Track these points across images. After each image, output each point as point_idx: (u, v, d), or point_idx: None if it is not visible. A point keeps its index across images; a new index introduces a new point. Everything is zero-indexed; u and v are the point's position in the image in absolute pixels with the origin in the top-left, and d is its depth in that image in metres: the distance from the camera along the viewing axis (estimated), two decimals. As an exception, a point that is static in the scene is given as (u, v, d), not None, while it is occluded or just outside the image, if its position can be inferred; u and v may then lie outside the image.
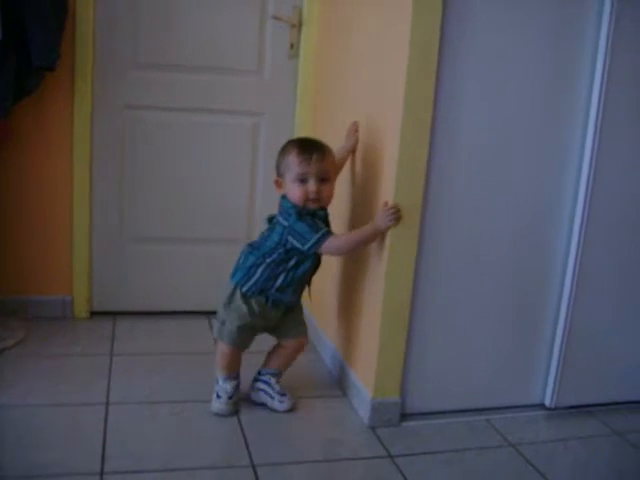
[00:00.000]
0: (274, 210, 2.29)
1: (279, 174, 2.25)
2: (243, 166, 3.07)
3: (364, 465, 2.10)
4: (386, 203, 2.14)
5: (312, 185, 2.15)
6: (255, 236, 3.11)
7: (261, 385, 2.38)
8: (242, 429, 2.21)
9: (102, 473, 1.90)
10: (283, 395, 2.36)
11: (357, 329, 2.43)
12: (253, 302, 2.23)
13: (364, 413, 2.30)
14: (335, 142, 2.41)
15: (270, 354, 2.42)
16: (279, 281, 2.23)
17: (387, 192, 2.17)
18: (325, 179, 2.18)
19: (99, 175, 2.93)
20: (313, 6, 2.96)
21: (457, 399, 2.39)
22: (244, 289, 2.23)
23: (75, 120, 2.82)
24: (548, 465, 2.12)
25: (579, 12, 2.17)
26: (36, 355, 2.62)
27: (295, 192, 2.17)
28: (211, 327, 2.93)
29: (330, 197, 2.23)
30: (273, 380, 2.38)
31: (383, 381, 2.26)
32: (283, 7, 2.95)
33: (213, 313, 2.60)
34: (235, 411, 2.31)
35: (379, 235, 2.19)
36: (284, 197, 2.23)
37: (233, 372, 2.34)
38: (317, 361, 2.78)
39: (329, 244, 2.16)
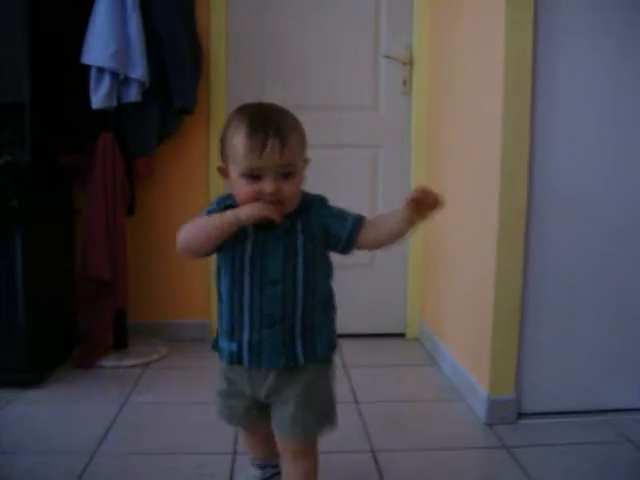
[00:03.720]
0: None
1: (223, 157, 1.55)
2: (363, 195, 3.26)
3: (480, 454, 2.17)
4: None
5: (269, 184, 1.44)
6: (376, 261, 3.32)
7: None
8: (363, 417, 2.35)
9: (235, 453, 2.10)
10: None
11: (471, 332, 2.53)
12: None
13: (481, 411, 2.37)
14: (451, 172, 2.57)
15: None
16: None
17: (492, 198, 2.31)
18: (290, 173, 1.47)
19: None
20: (422, 45, 3.17)
21: (574, 400, 2.40)
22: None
23: (210, 158, 3.13)
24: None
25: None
26: (176, 367, 2.89)
27: (241, 190, 1.48)
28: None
29: (295, 197, 1.51)
30: None
31: (498, 379, 2.33)
32: (395, 46, 3.19)
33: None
34: None
35: (229, 225, 1.47)
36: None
37: (256, 458, 1.86)
38: (436, 370, 2.89)
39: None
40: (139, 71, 2.70)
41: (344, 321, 3.21)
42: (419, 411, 2.47)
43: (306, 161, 1.57)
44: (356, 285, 3.26)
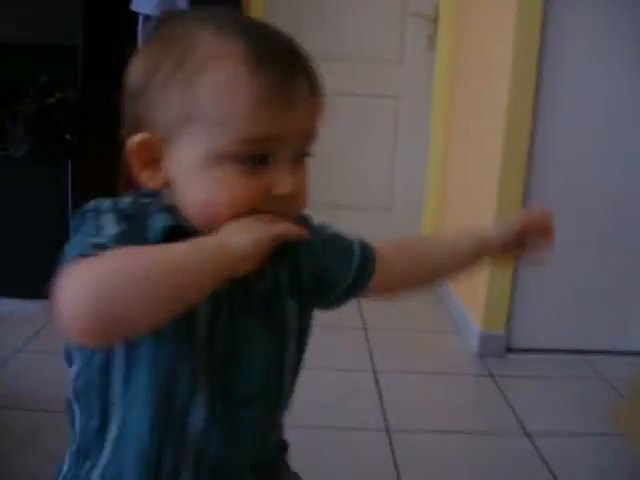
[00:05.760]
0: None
1: (136, 130, 0.73)
2: (385, 142, 3.52)
3: (468, 379, 2.48)
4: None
5: (286, 176, 0.73)
6: (394, 204, 3.57)
7: None
8: (369, 344, 2.65)
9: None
10: None
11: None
12: None
13: (474, 343, 2.64)
14: (461, 131, 2.77)
15: None
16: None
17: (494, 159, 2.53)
18: (306, 154, 0.78)
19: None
20: (449, 2, 3.35)
21: (559, 339, 2.64)
22: None
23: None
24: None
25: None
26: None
27: (223, 191, 0.71)
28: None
29: (306, 199, 0.78)
30: None
31: (491, 316, 2.60)
32: (423, 3, 3.39)
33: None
34: None
35: (220, 261, 0.66)
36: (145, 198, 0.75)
37: None
38: (441, 307, 3.14)
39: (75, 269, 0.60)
40: (183, 18, 2.94)
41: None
42: (420, 340, 2.76)
43: None
44: (370, 225, 3.52)
